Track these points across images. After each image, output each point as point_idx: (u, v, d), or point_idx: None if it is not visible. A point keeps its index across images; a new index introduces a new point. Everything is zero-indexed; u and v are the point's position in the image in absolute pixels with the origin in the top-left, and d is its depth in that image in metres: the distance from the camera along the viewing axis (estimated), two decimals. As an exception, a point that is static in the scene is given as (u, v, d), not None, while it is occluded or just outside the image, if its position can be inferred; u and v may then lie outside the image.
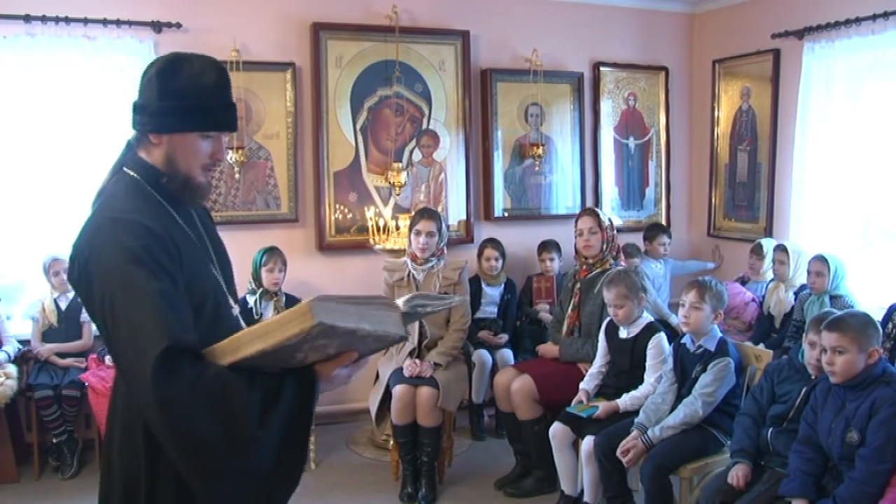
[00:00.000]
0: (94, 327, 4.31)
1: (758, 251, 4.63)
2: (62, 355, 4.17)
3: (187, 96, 1.51)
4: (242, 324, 1.66)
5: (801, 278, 4.21)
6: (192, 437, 1.33)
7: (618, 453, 3.09)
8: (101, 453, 1.65)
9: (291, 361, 1.40)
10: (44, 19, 4.06)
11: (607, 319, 3.57)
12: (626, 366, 3.46)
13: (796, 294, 4.18)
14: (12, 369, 3.96)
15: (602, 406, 3.35)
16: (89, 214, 1.54)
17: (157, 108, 1.52)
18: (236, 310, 1.67)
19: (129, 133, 1.62)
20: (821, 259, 3.93)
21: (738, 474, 2.79)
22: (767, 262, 4.55)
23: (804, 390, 2.83)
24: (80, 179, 4.34)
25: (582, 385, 3.53)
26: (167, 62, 1.53)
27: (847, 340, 2.54)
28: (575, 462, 3.45)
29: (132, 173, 1.57)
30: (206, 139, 1.57)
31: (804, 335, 2.90)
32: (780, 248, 4.36)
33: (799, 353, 2.94)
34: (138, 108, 1.55)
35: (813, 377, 2.84)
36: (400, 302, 1.45)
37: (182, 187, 1.58)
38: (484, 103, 5.12)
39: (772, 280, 4.48)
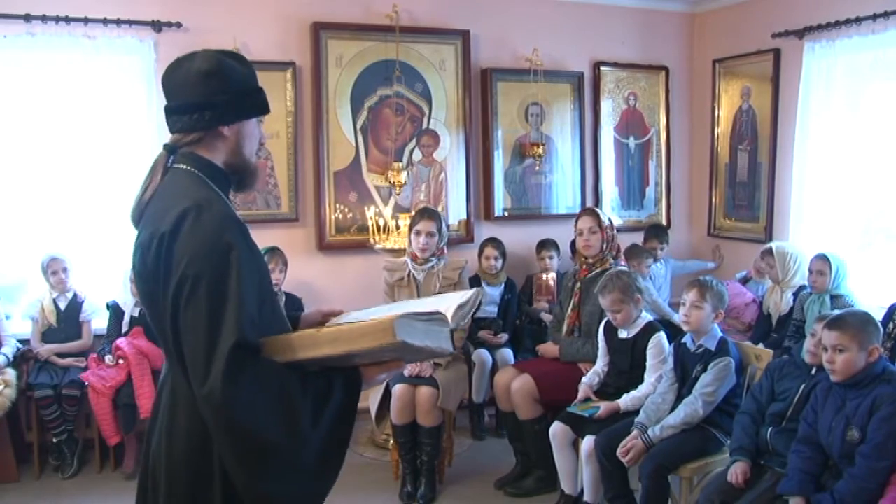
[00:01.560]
0: (93, 327, 4.32)
1: (769, 254, 4.54)
2: (62, 355, 4.17)
3: (245, 85, 1.59)
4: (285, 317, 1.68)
5: (799, 279, 4.20)
6: (250, 434, 1.35)
7: (618, 453, 3.09)
8: (147, 456, 1.60)
9: (345, 363, 1.45)
10: (44, 19, 4.06)
11: (605, 319, 3.57)
12: (626, 366, 3.46)
13: (795, 294, 4.17)
14: (11, 375, 3.95)
15: (603, 406, 3.35)
16: (143, 209, 1.54)
17: (223, 101, 1.54)
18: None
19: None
20: (823, 258, 3.92)
21: (737, 472, 2.79)
22: (779, 264, 4.46)
23: (803, 387, 2.84)
24: (81, 179, 4.35)
25: (584, 380, 3.53)
26: (215, 58, 1.55)
27: (847, 338, 2.54)
28: (575, 462, 3.45)
29: (189, 168, 1.56)
30: (258, 125, 1.65)
31: (811, 326, 2.89)
32: (767, 252, 4.34)
33: (801, 351, 2.94)
34: (197, 106, 1.54)
35: (812, 372, 2.84)
36: (448, 316, 1.49)
37: (247, 174, 1.65)
38: (484, 103, 5.12)
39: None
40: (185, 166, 1.56)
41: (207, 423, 1.38)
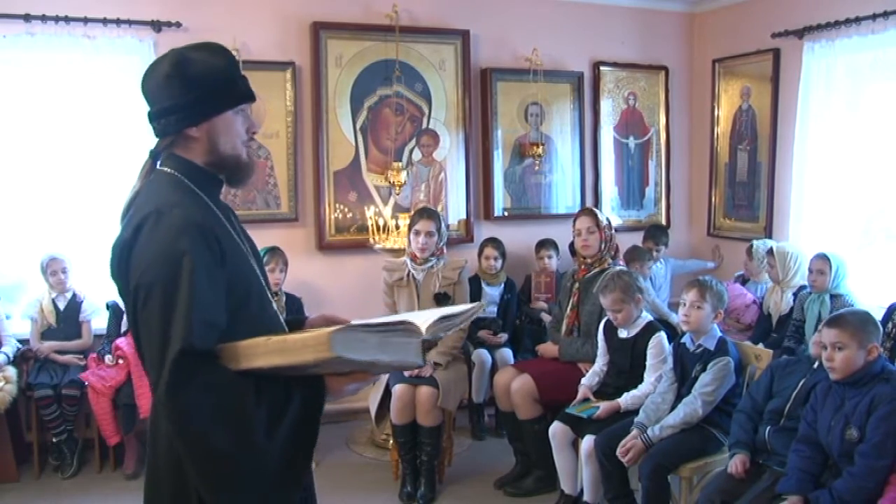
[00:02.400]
0: (93, 327, 4.32)
1: (749, 252, 4.63)
2: (61, 353, 4.17)
3: (210, 80, 1.54)
4: (282, 320, 1.67)
5: (799, 279, 4.20)
6: (198, 444, 1.34)
7: (618, 453, 3.09)
8: (147, 459, 1.60)
9: (305, 373, 1.41)
10: (44, 18, 4.06)
11: (605, 319, 3.57)
12: (626, 366, 3.46)
13: (795, 294, 4.17)
14: (11, 373, 3.95)
15: (603, 406, 3.35)
16: (128, 214, 1.53)
17: (186, 102, 1.52)
18: (275, 305, 1.66)
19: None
20: (823, 257, 3.92)
21: (736, 463, 2.81)
22: (756, 262, 4.55)
23: (802, 382, 2.84)
24: (81, 179, 4.35)
25: (583, 381, 3.53)
26: (176, 58, 1.53)
27: (847, 336, 2.55)
28: (575, 461, 3.45)
29: (169, 170, 1.56)
30: (237, 115, 1.59)
31: (817, 331, 2.89)
32: (769, 252, 4.37)
33: (805, 350, 2.95)
34: (165, 111, 1.53)
35: (814, 365, 2.85)
36: (423, 328, 1.39)
37: (235, 169, 1.61)
38: (484, 103, 5.12)
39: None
40: (167, 168, 1.57)
41: (168, 428, 1.39)
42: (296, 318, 1.76)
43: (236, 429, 1.34)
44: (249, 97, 1.62)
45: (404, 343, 1.37)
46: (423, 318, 1.42)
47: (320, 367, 1.36)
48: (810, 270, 3.97)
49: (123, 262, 1.45)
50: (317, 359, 1.31)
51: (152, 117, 1.56)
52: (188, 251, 1.39)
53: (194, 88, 1.52)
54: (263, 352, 1.36)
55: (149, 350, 1.39)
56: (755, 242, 4.62)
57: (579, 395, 3.49)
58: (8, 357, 4.01)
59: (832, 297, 3.86)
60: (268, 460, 1.38)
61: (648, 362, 3.39)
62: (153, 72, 1.56)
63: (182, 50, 1.56)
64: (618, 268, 3.70)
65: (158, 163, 1.59)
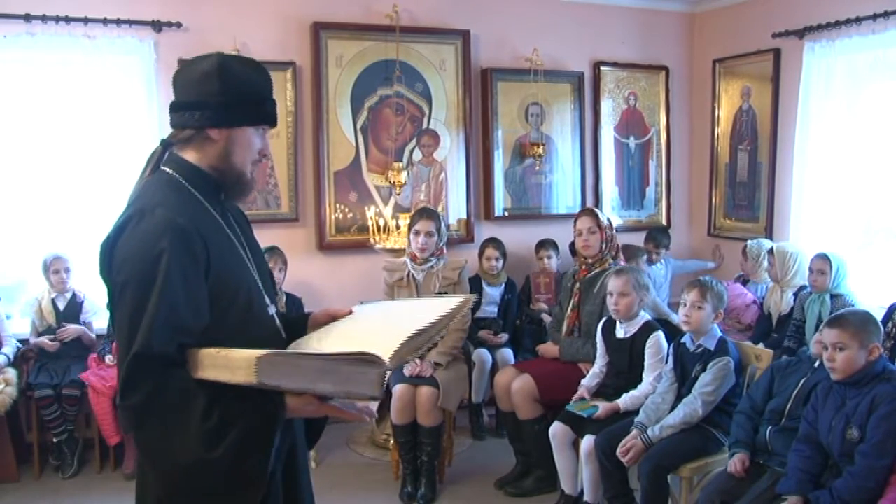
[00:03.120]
0: (94, 325, 4.33)
1: (744, 252, 4.64)
2: (67, 347, 4.17)
3: (245, 91, 1.56)
4: (278, 323, 1.66)
5: (799, 279, 4.20)
6: (145, 447, 1.39)
7: (617, 453, 3.09)
8: (136, 459, 1.64)
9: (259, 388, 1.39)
10: (44, 18, 4.06)
11: (604, 319, 3.57)
12: (625, 366, 3.46)
13: (796, 294, 4.17)
14: (12, 374, 3.95)
15: (602, 406, 3.35)
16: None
17: (217, 103, 1.52)
18: (273, 309, 1.65)
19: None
20: (823, 257, 3.92)
21: (735, 462, 2.82)
22: (750, 262, 4.56)
23: (803, 381, 2.84)
24: (81, 179, 4.35)
25: (583, 382, 3.54)
26: (221, 61, 1.54)
27: (847, 336, 2.55)
28: (575, 461, 3.45)
29: (169, 171, 1.57)
30: (257, 134, 1.61)
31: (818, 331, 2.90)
32: (769, 252, 4.37)
33: (807, 351, 2.95)
34: (192, 105, 1.53)
35: (815, 365, 2.85)
36: (387, 357, 1.27)
37: (235, 183, 1.61)
38: (484, 103, 5.12)
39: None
40: (168, 169, 1.57)
41: None
42: (299, 316, 1.76)
43: (177, 438, 1.36)
44: (274, 121, 1.64)
45: (358, 373, 1.28)
46: (390, 344, 1.31)
47: (258, 387, 1.35)
48: (811, 270, 3.97)
49: (106, 260, 1.46)
50: (246, 381, 1.31)
51: (176, 107, 1.57)
52: (165, 251, 1.40)
53: (228, 93, 1.53)
54: (211, 363, 1.38)
55: (119, 347, 1.42)
56: (749, 242, 4.64)
57: (577, 395, 3.49)
58: (8, 358, 4.01)
59: (832, 297, 3.86)
60: (214, 471, 1.38)
61: (647, 362, 3.39)
62: (192, 65, 1.56)
63: (228, 56, 1.58)
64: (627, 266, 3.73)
65: (164, 159, 1.59)
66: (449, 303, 1.57)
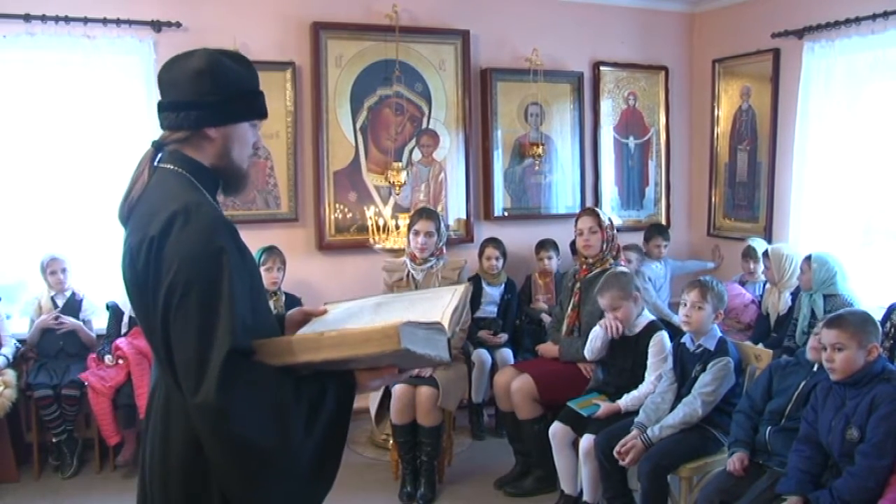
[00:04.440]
0: (94, 325, 4.32)
1: (750, 254, 4.63)
2: (67, 347, 4.18)
3: (239, 88, 1.55)
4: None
5: (796, 279, 4.20)
6: (243, 443, 1.33)
7: (615, 452, 3.09)
8: (146, 464, 1.56)
9: (340, 367, 1.43)
10: (44, 18, 4.06)
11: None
12: (628, 364, 3.46)
13: (794, 295, 4.18)
14: (11, 376, 3.94)
15: (603, 406, 3.35)
16: (132, 210, 1.51)
17: (213, 101, 1.51)
18: (272, 304, 1.67)
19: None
20: (806, 258, 3.99)
21: (734, 461, 2.83)
22: (760, 263, 4.56)
23: (803, 384, 2.84)
24: (81, 179, 4.35)
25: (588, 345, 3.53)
26: (211, 58, 1.51)
27: (846, 337, 2.55)
28: (575, 461, 3.45)
29: (176, 168, 1.53)
30: (251, 129, 1.60)
31: (814, 334, 2.91)
32: (764, 254, 4.38)
33: (805, 350, 2.96)
34: (186, 105, 1.51)
35: (814, 368, 2.85)
36: (447, 326, 1.44)
37: (235, 179, 1.61)
38: (484, 103, 5.12)
39: (767, 282, 4.50)
40: (172, 166, 1.54)
41: (199, 431, 1.36)
42: (276, 316, 1.73)
43: (281, 427, 1.35)
44: (266, 114, 1.63)
45: (438, 340, 1.42)
46: (442, 316, 1.47)
47: (374, 360, 1.39)
48: (801, 270, 4.02)
49: (151, 261, 1.39)
50: (383, 351, 1.33)
51: (168, 107, 1.54)
52: (226, 249, 1.38)
53: (224, 91, 1.51)
54: (315, 347, 1.38)
55: (182, 350, 1.35)
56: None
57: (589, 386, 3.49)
58: (7, 360, 4.01)
59: (826, 296, 3.87)
60: (304, 457, 1.39)
61: (649, 360, 3.39)
62: (180, 64, 1.53)
63: (215, 51, 1.55)
64: (618, 268, 3.70)
65: (160, 157, 1.56)
66: (455, 290, 1.63)
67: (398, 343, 1.31)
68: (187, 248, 1.37)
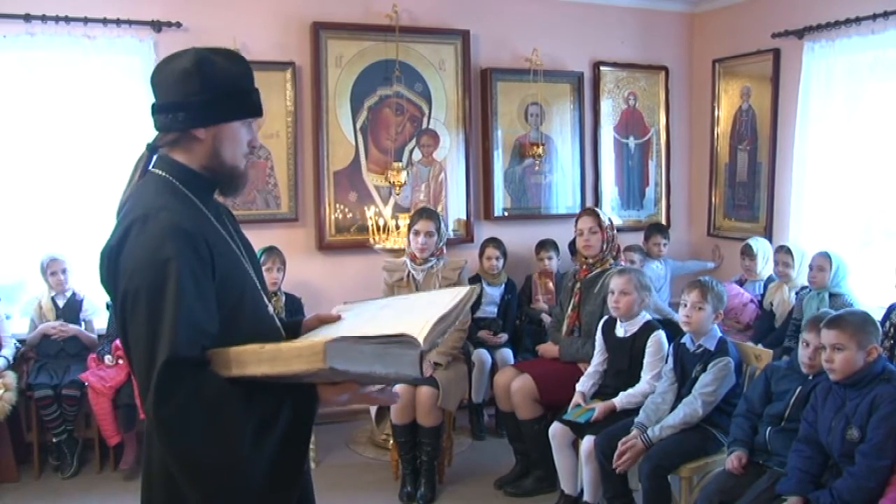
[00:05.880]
0: (94, 325, 4.33)
1: (748, 252, 4.63)
2: (67, 347, 4.18)
3: (228, 86, 1.52)
4: (277, 322, 1.65)
5: (802, 278, 4.20)
6: (185, 455, 1.34)
7: (616, 453, 3.08)
8: (143, 463, 1.59)
9: (297, 381, 1.39)
10: (44, 18, 4.06)
11: (604, 318, 3.57)
12: (625, 365, 3.45)
13: (797, 293, 4.17)
14: (11, 378, 3.94)
15: (599, 407, 3.34)
16: (118, 217, 1.51)
17: (200, 102, 1.49)
18: (271, 308, 1.64)
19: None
20: (824, 255, 3.94)
21: (733, 459, 2.83)
22: (760, 261, 4.56)
23: (799, 389, 2.84)
24: (81, 179, 4.35)
25: (578, 387, 3.52)
26: (198, 57, 1.49)
27: (846, 337, 2.55)
28: (575, 461, 3.45)
29: (161, 173, 1.53)
30: (244, 127, 1.57)
31: (801, 334, 2.91)
32: (784, 250, 4.35)
33: (797, 357, 2.95)
34: (175, 106, 1.49)
35: (810, 378, 2.84)
36: (421, 339, 1.34)
37: (229, 179, 1.58)
38: (484, 103, 5.12)
39: (770, 279, 4.49)
40: (160, 171, 1.54)
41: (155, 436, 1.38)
42: (293, 321, 1.74)
43: (223, 440, 1.33)
44: (259, 111, 1.60)
45: (401, 355, 1.32)
46: (419, 327, 1.37)
47: (312, 377, 1.34)
48: (811, 267, 3.99)
49: (112, 268, 1.42)
50: (309, 369, 1.27)
51: (158, 109, 1.53)
52: (174, 257, 1.36)
53: (211, 90, 1.49)
54: (256, 359, 1.33)
55: (136, 358, 1.36)
56: (750, 242, 4.62)
57: (573, 400, 3.47)
58: (8, 361, 4.01)
59: (831, 295, 3.87)
60: (256, 470, 1.36)
61: (646, 360, 3.39)
62: (169, 65, 1.52)
63: (204, 50, 1.52)
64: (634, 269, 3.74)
65: (152, 162, 1.56)
66: (458, 293, 1.58)
67: (323, 361, 1.25)
68: (137, 256, 1.38)
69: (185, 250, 1.38)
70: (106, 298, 4.21)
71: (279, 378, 1.34)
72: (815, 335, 2.75)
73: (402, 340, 1.32)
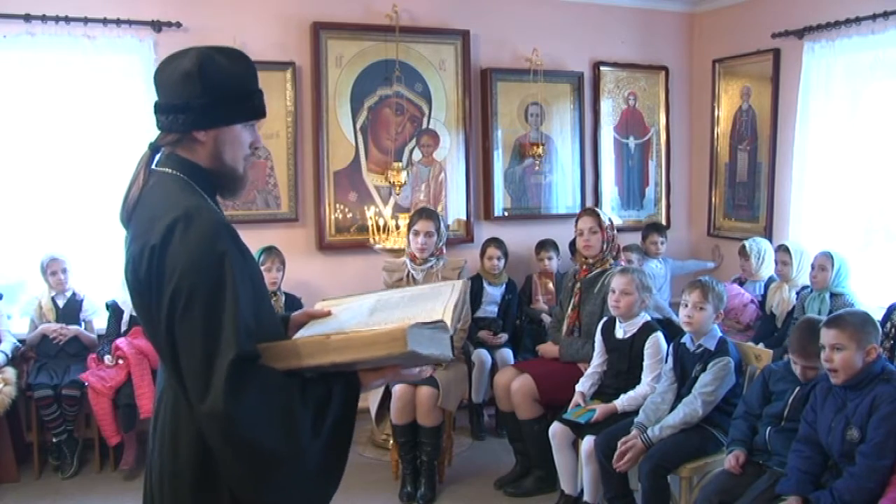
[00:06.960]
0: (94, 325, 4.32)
1: (743, 252, 4.63)
2: (67, 347, 4.18)
3: (229, 88, 1.50)
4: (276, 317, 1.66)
5: (803, 277, 4.20)
6: (252, 448, 1.33)
7: (616, 454, 3.08)
8: (153, 467, 1.55)
9: (345, 368, 1.43)
10: (44, 19, 4.06)
11: (604, 319, 3.58)
12: (625, 366, 3.45)
13: (798, 293, 4.17)
14: (11, 374, 3.94)
15: (599, 409, 3.34)
16: (132, 214, 1.49)
17: (200, 104, 1.47)
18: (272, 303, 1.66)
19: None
20: (826, 255, 3.94)
21: (731, 458, 2.84)
22: (755, 261, 4.56)
23: (798, 390, 2.84)
24: (81, 179, 4.35)
25: (578, 387, 3.53)
26: (201, 58, 1.48)
27: (845, 337, 2.55)
28: (575, 462, 3.45)
29: (174, 171, 1.52)
30: (246, 129, 1.56)
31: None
32: (783, 249, 4.35)
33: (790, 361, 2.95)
34: (176, 108, 1.48)
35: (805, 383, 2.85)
36: (449, 323, 1.45)
37: (228, 181, 1.58)
38: (484, 103, 5.12)
39: (770, 279, 4.49)
40: (170, 170, 1.52)
41: (208, 437, 1.36)
42: (281, 316, 1.73)
43: (289, 431, 1.35)
44: (262, 114, 1.58)
45: (442, 338, 1.44)
46: (440, 307, 1.49)
47: (384, 361, 1.40)
48: (812, 267, 3.98)
49: (156, 267, 1.38)
50: (390, 353, 1.35)
51: (160, 109, 1.52)
52: (228, 254, 1.37)
53: (212, 93, 1.47)
54: (323, 350, 1.38)
55: (188, 358, 1.35)
56: (746, 242, 4.62)
57: (573, 401, 3.48)
58: (7, 355, 4.01)
59: (832, 295, 3.87)
60: (312, 458, 1.39)
61: (645, 362, 3.39)
62: (172, 64, 1.51)
63: (207, 50, 1.51)
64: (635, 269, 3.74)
65: (157, 160, 1.56)
66: (455, 285, 1.64)
67: (405, 346, 1.33)
68: (189, 255, 1.36)
69: (232, 247, 1.40)
70: (105, 298, 4.29)
71: (340, 366, 1.41)
72: (803, 358, 2.78)
73: (442, 326, 1.44)
